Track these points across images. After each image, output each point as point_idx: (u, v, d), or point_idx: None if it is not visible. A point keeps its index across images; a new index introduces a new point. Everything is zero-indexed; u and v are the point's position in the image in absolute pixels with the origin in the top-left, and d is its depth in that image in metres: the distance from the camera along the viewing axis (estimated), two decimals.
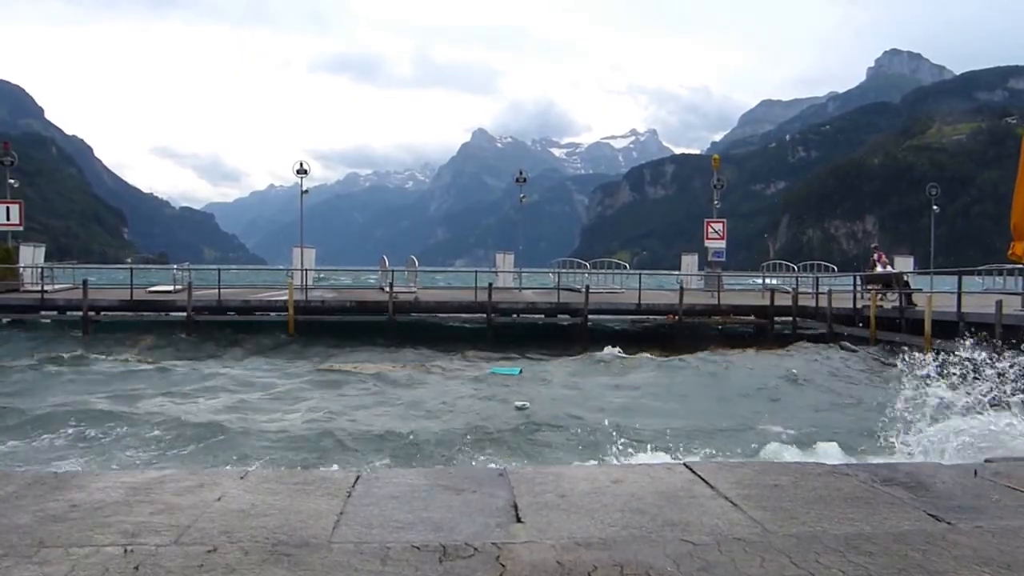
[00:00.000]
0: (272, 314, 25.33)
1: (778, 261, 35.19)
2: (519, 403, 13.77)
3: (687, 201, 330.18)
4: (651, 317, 26.19)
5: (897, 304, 20.56)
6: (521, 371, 17.83)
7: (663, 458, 8.81)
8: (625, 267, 36.66)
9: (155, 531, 3.71)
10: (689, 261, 33.68)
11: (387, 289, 26.01)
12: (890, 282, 21.89)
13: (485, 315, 24.84)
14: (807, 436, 11.05)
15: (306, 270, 28.70)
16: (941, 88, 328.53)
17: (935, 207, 35.12)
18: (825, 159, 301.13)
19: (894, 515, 4.06)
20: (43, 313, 25.91)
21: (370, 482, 4.65)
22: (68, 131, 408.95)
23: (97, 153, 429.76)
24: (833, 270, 30.70)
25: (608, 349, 21.38)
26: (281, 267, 41.50)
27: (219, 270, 28.49)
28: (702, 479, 4.67)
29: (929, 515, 4.05)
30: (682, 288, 26.29)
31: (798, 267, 31.66)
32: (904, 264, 28.88)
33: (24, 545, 3.52)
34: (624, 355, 21.01)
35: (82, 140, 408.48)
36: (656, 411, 13.73)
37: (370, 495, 4.36)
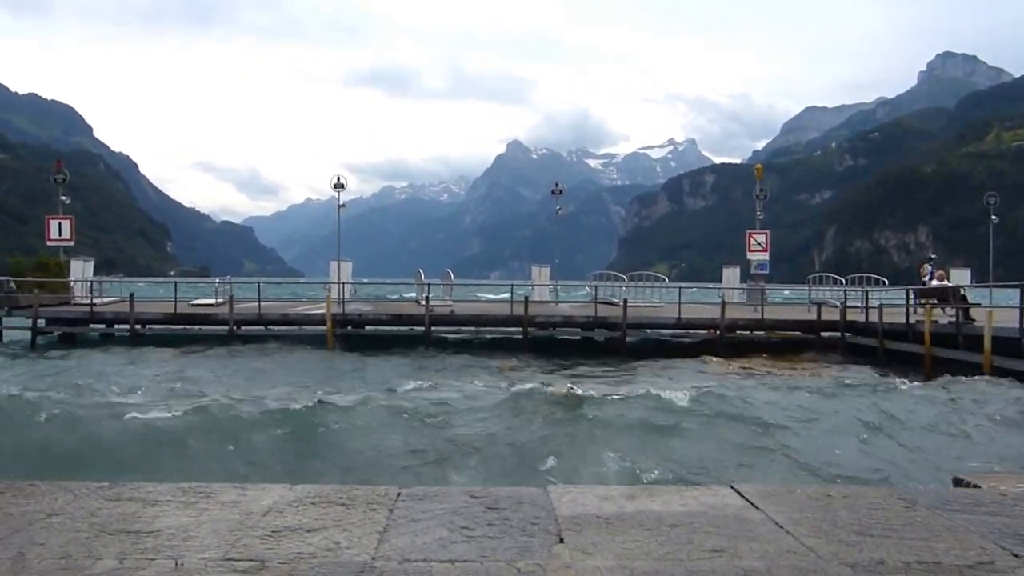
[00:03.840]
0: (310, 327, 25.59)
1: (825, 274, 34.44)
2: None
3: (728, 212, 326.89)
4: (692, 331, 25.86)
5: (954, 319, 19.84)
6: None
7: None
8: (664, 280, 36.31)
9: (205, 546, 3.73)
10: (731, 274, 33.19)
11: (423, 302, 26.10)
12: (946, 296, 21.14)
13: (521, 328, 24.76)
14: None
15: (343, 283, 28.94)
16: (999, 92, 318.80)
17: (994, 217, 34.05)
18: (874, 167, 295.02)
19: (959, 544, 3.89)
20: (92, 326, 26.50)
21: (412, 499, 4.62)
22: (115, 148, 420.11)
23: (142, 169, 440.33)
24: (883, 283, 29.93)
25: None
26: (319, 280, 41.99)
27: (259, 283, 28.88)
28: (751, 503, 4.55)
29: (997, 546, 3.87)
30: (724, 302, 25.94)
31: (846, 280, 30.88)
32: (960, 277, 27.95)
33: (80, 556, 3.57)
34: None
35: (128, 156, 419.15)
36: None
37: (412, 512, 4.34)
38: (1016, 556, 3.71)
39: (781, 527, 4.08)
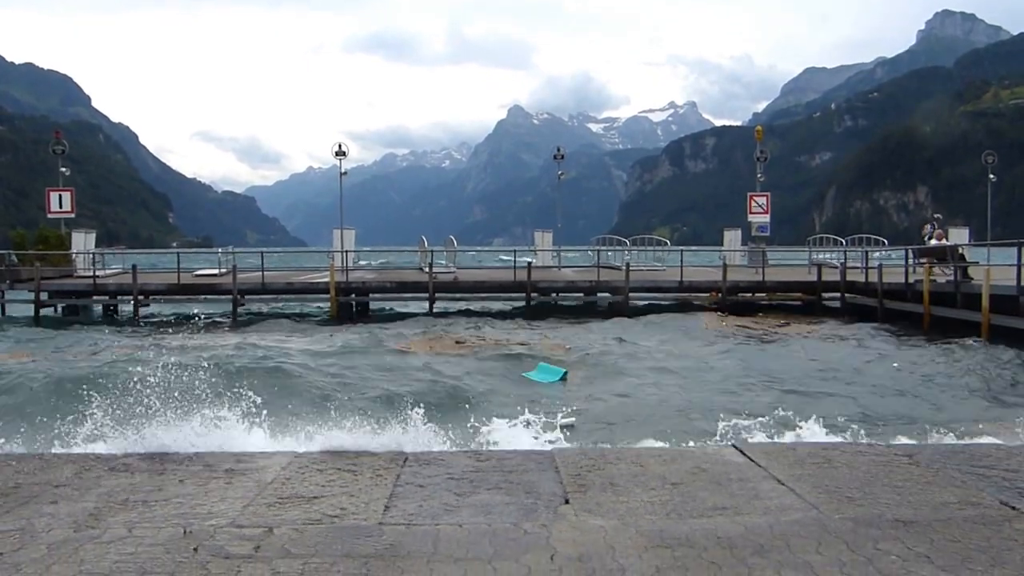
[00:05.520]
0: (315, 295, 25.57)
1: (825, 235, 34.32)
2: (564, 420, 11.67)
3: (729, 175, 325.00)
4: (694, 294, 25.85)
5: (952, 278, 19.84)
6: (566, 374, 13.29)
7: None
8: (666, 243, 36.10)
9: (212, 512, 3.78)
10: (732, 236, 33.05)
11: (427, 269, 26.09)
12: (944, 255, 21.12)
13: (524, 294, 24.76)
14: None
15: (346, 252, 28.87)
16: (997, 50, 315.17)
17: (992, 176, 33.80)
18: (873, 128, 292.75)
19: (958, 497, 3.94)
20: (95, 298, 26.50)
21: (418, 463, 4.67)
22: (114, 118, 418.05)
23: (142, 139, 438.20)
24: (883, 243, 29.82)
25: None
26: (322, 249, 42.03)
27: (262, 253, 28.82)
28: (753, 461, 4.60)
29: (996, 499, 3.92)
30: (725, 264, 25.88)
31: (846, 241, 30.80)
32: (959, 236, 27.83)
33: (88, 526, 3.62)
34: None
35: (127, 127, 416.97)
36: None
37: (418, 477, 4.39)
38: (1013, 508, 3.76)
39: (783, 484, 4.14)
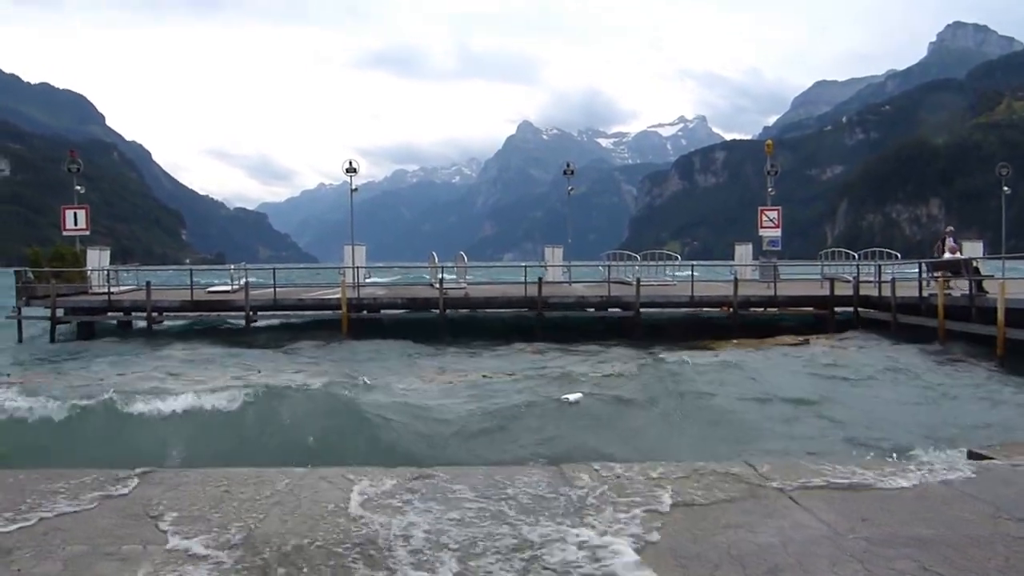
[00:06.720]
0: (326, 312, 25.63)
1: (837, 249, 34.16)
2: (571, 396, 12.85)
3: (739, 188, 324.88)
4: (705, 309, 25.79)
5: (967, 292, 19.70)
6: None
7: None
8: (676, 258, 36.04)
9: (226, 528, 3.80)
10: (743, 251, 32.97)
11: (437, 285, 26.17)
12: (959, 268, 20.97)
13: (535, 310, 24.76)
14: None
15: (357, 268, 28.98)
16: (1011, 61, 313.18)
17: (1006, 188, 33.55)
18: (885, 141, 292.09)
19: (975, 516, 3.90)
20: (110, 314, 26.70)
21: (431, 480, 4.67)
22: (128, 136, 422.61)
23: (155, 157, 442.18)
24: (896, 257, 29.68)
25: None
26: (333, 265, 42.15)
27: (274, 269, 28.99)
28: (766, 478, 4.58)
29: (1016, 518, 3.88)
30: (736, 279, 25.84)
31: (859, 255, 30.66)
32: (973, 249, 27.61)
33: (105, 543, 3.64)
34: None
35: (141, 145, 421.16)
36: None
37: (433, 493, 4.39)
38: None
39: (796, 502, 4.12)
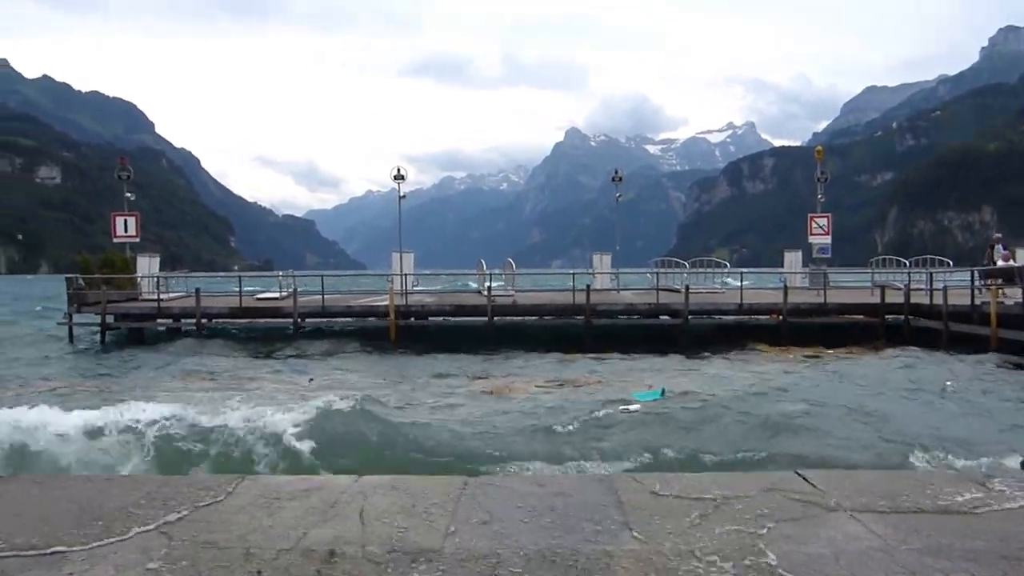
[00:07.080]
0: (374, 319, 25.87)
1: (887, 256, 33.49)
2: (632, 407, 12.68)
3: (788, 195, 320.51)
4: (754, 317, 25.49)
5: (1020, 300, 19.24)
6: (664, 392, 14.36)
7: None
8: (725, 265, 35.73)
9: (275, 535, 3.87)
10: (792, 258, 32.53)
11: (485, 292, 26.28)
12: (1012, 276, 20.47)
13: (584, 317, 24.70)
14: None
15: (405, 275, 29.18)
16: None
17: None
18: (936, 146, 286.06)
19: None
20: (159, 321, 27.26)
21: (477, 489, 4.71)
22: (176, 144, 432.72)
23: (203, 164, 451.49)
24: (948, 264, 28.99)
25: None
26: (381, 272, 42.54)
27: (322, 276, 29.38)
28: (816, 488, 4.52)
29: None
30: (786, 286, 25.50)
31: (909, 262, 30.01)
32: None
33: (152, 547, 3.74)
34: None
35: (189, 152, 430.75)
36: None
37: (478, 503, 4.42)
38: None
39: (847, 512, 4.06)
